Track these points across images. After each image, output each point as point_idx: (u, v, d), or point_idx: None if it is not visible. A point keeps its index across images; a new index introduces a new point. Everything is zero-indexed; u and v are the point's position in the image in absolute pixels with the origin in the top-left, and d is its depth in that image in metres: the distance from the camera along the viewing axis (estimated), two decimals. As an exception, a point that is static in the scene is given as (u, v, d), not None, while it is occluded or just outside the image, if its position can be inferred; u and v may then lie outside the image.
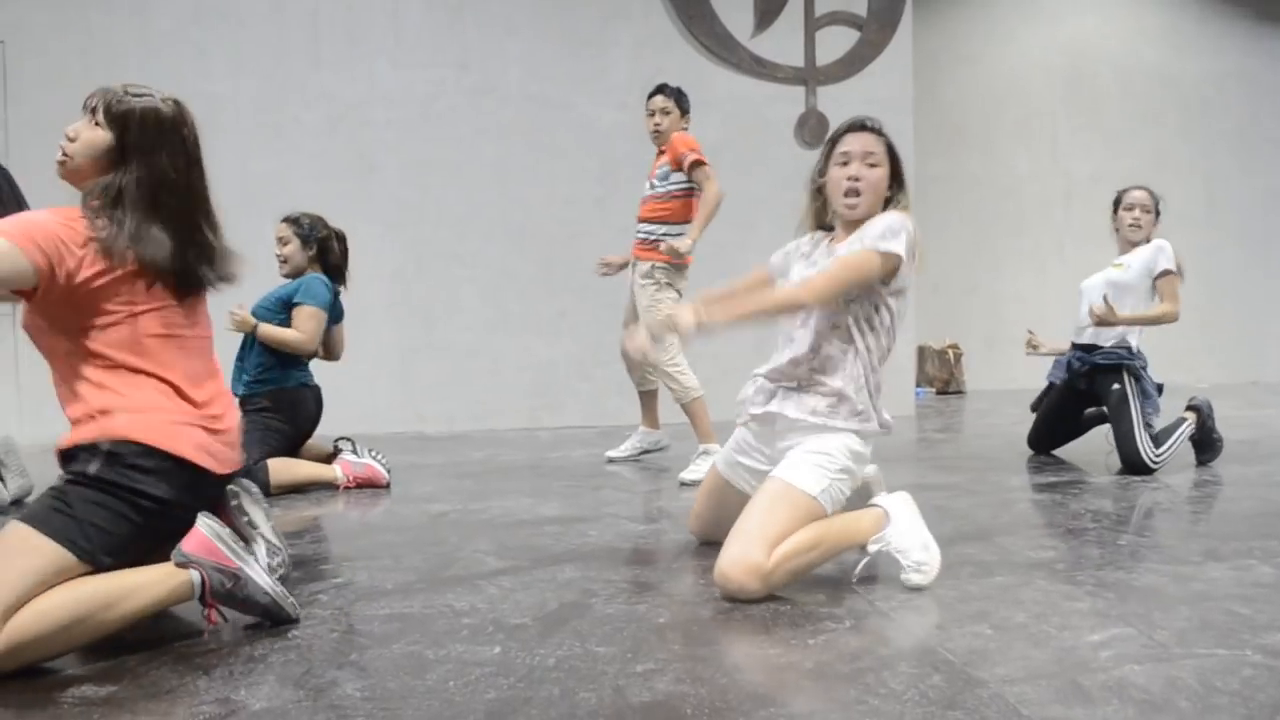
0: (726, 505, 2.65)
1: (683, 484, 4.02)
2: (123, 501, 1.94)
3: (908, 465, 4.60)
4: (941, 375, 9.82)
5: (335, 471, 4.06)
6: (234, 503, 2.20)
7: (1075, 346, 4.53)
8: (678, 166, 4.47)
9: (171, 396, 2.06)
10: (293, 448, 4.19)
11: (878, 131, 2.52)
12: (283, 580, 2.25)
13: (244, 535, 2.15)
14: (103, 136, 2.08)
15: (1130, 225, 4.42)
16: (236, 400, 3.84)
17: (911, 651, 1.84)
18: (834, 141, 2.54)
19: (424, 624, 2.07)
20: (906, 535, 2.33)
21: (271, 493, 3.81)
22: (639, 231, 4.59)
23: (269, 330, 4.08)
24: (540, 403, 6.85)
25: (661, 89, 4.67)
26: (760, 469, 2.57)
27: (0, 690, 1.73)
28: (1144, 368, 4.37)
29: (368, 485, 4.09)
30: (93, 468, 1.93)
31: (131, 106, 2.08)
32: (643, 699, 1.61)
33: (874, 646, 1.86)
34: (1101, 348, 4.39)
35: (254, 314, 4.12)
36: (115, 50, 6.30)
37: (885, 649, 1.85)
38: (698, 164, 4.41)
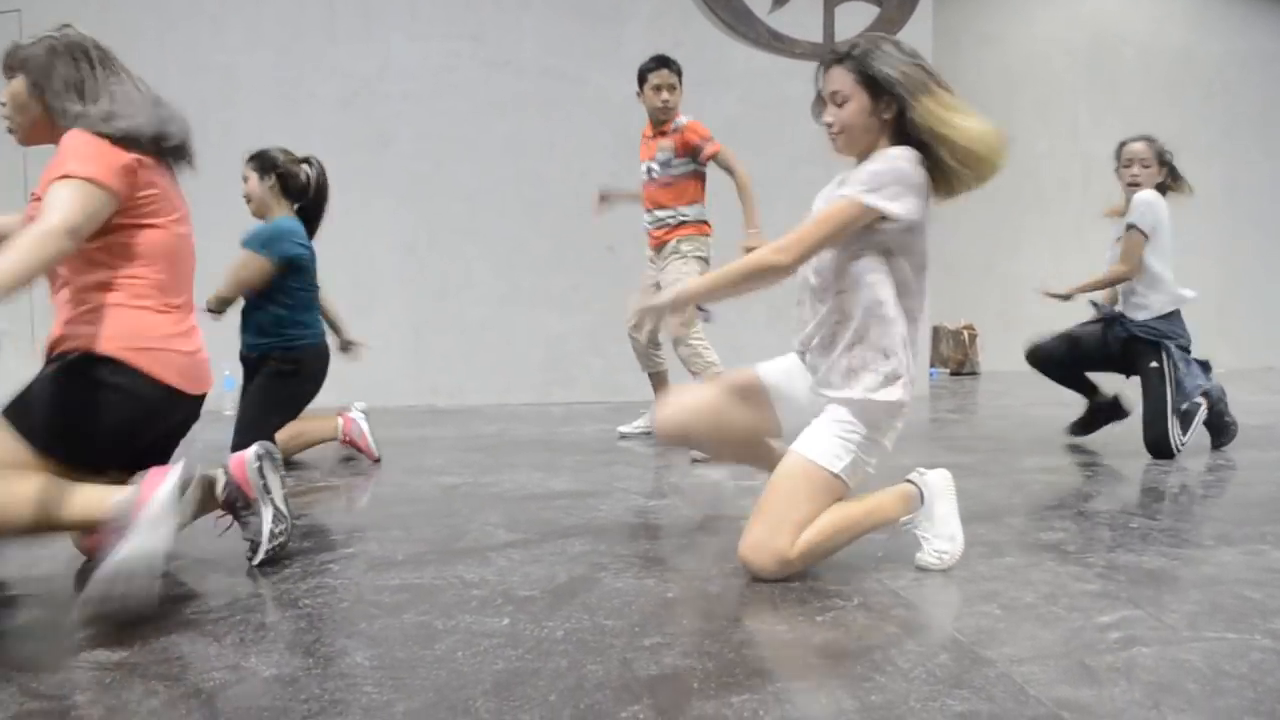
0: (729, 418, 2.44)
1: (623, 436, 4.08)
2: (91, 399, 2.07)
3: (921, 445, 4.58)
4: (956, 356, 9.78)
5: (337, 423, 4.08)
6: (257, 464, 2.29)
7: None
8: (685, 153, 4.42)
9: (159, 311, 2.22)
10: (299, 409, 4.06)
11: (840, 61, 2.26)
12: (281, 548, 2.37)
13: (254, 499, 2.30)
14: (18, 83, 2.23)
15: (1129, 181, 4.26)
16: (253, 356, 3.91)
17: (919, 630, 1.84)
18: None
19: (433, 595, 2.09)
20: (939, 524, 2.29)
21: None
22: (655, 219, 4.55)
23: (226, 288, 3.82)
24: (552, 377, 6.85)
25: (666, 62, 4.47)
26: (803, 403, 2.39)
27: (13, 656, 1.75)
28: (1186, 347, 4.21)
29: (355, 448, 4.11)
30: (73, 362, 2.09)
31: (26, 47, 2.25)
32: (650, 672, 1.62)
33: (881, 624, 1.86)
34: (1132, 319, 4.22)
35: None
36: (131, 21, 6.30)
37: (893, 627, 1.85)
38: (716, 151, 4.38)
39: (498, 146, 6.72)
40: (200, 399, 2.35)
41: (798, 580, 2.16)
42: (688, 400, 2.45)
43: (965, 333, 9.73)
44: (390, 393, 6.42)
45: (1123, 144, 4.35)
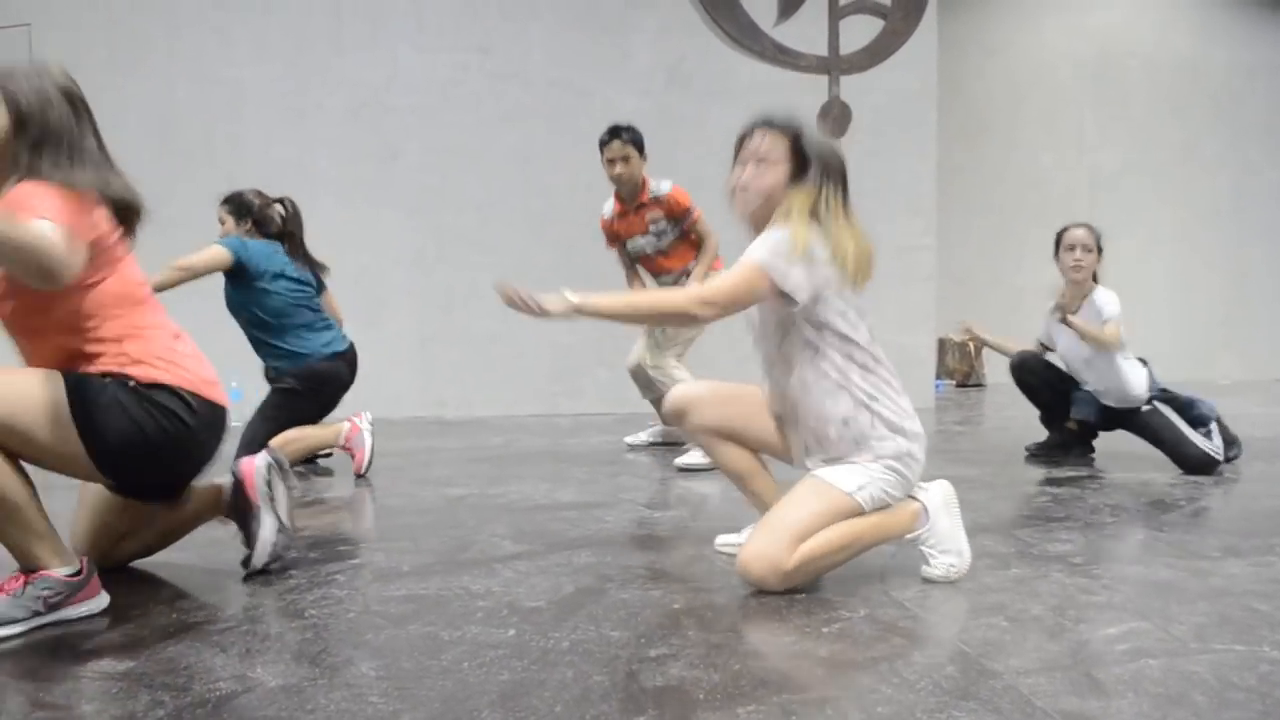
0: (753, 415, 2.44)
1: (680, 469, 4.05)
2: (149, 416, 2.03)
3: (927, 458, 4.58)
4: (962, 368, 9.77)
5: (342, 428, 4.10)
6: (266, 473, 2.30)
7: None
8: (675, 217, 4.48)
9: (179, 340, 2.18)
10: (312, 419, 4.15)
11: (780, 129, 2.29)
12: (276, 559, 2.37)
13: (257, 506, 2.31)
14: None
15: (1072, 266, 4.19)
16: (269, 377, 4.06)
17: (926, 641, 1.83)
18: (741, 138, 2.36)
19: (440, 606, 2.09)
20: (945, 538, 2.28)
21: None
22: (663, 283, 4.66)
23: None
24: (559, 388, 6.86)
25: (616, 133, 4.43)
26: None
27: (20, 666, 1.75)
28: (1163, 393, 4.20)
29: (349, 454, 4.13)
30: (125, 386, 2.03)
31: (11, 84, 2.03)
32: (656, 683, 1.62)
33: (888, 636, 1.86)
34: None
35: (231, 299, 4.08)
36: (139, 34, 6.34)
37: (900, 638, 1.85)
38: (699, 218, 4.48)
39: (505, 158, 6.74)
40: None
41: (803, 592, 2.16)
42: (721, 385, 2.48)
43: (971, 344, 9.72)
44: (398, 404, 6.43)
45: (1063, 230, 4.31)
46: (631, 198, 4.51)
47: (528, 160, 6.75)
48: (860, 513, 2.20)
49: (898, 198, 7.03)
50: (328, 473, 4.14)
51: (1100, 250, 4.24)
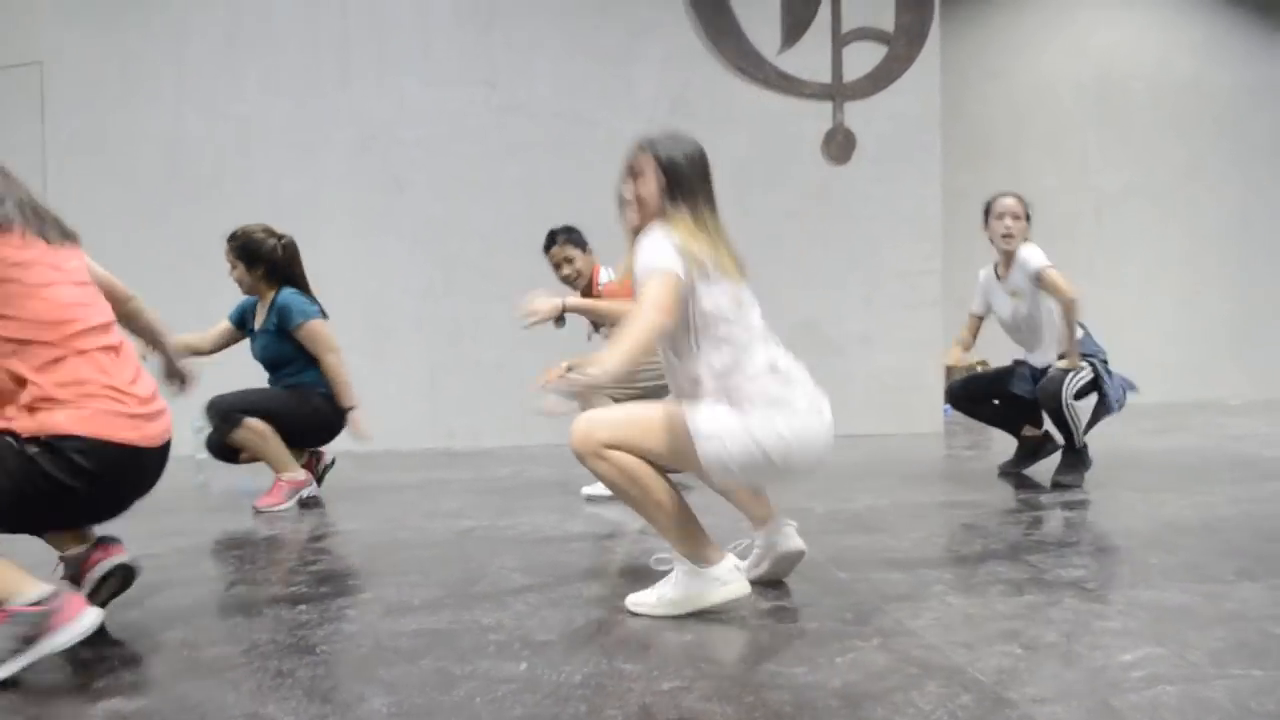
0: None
1: (589, 499, 4.02)
2: (43, 475, 1.97)
3: (935, 482, 4.56)
4: (970, 391, 9.74)
5: (298, 474, 4.12)
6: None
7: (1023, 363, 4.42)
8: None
9: (99, 371, 2.10)
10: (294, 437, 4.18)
11: (644, 148, 2.41)
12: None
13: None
14: None
15: (1003, 235, 4.22)
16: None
17: (940, 671, 1.82)
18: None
19: (451, 640, 2.08)
20: (677, 587, 2.28)
21: (227, 444, 4.01)
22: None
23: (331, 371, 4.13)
24: (568, 419, 6.84)
25: (553, 238, 4.41)
26: None
27: (29, 707, 1.75)
28: (1103, 362, 4.18)
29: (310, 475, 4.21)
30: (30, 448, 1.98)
31: None
32: (669, 716, 1.61)
33: (901, 665, 1.85)
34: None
35: (262, 347, 4.16)
36: (150, 72, 6.41)
37: (913, 668, 1.83)
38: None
39: (512, 189, 6.77)
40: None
41: (815, 621, 2.15)
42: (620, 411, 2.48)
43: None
44: (406, 436, 6.43)
45: (993, 199, 4.32)
46: (587, 292, 4.41)
47: (534, 191, 6.78)
48: (693, 459, 2.23)
49: (902, 223, 7.04)
50: (333, 506, 4.14)
51: (1029, 218, 4.28)
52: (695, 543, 2.29)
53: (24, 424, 1.98)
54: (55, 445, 1.98)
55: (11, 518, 1.99)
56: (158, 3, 6.53)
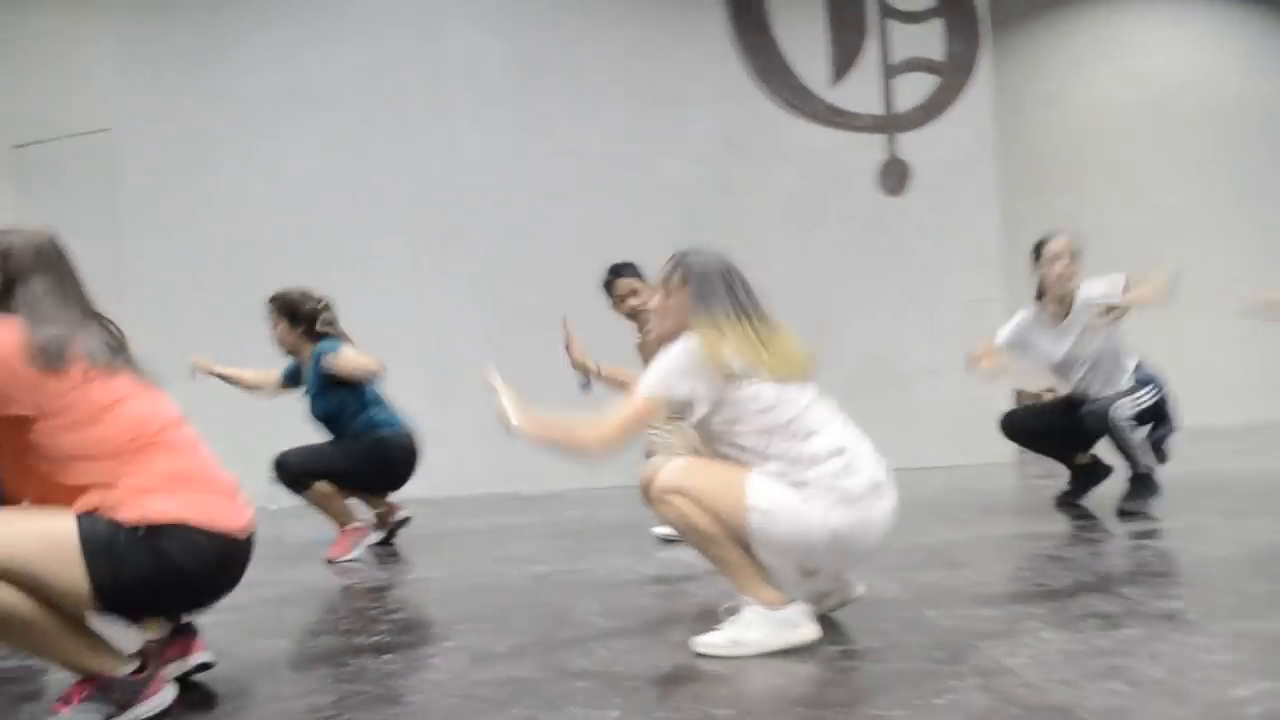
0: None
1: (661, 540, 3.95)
2: (153, 566, 1.95)
3: (1012, 514, 4.47)
4: (1038, 419, 9.55)
5: (368, 530, 4.17)
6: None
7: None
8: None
9: (193, 460, 2.09)
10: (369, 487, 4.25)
11: (673, 262, 2.53)
12: None
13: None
14: None
15: (1060, 275, 4.16)
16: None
17: (1045, 711, 1.76)
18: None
19: (538, 688, 2.07)
20: (748, 629, 2.25)
21: (301, 493, 4.05)
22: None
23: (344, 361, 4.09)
24: (637, 458, 6.81)
25: (616, 273, 4.42)
26: None
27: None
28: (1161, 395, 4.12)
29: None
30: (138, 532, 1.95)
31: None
32: (770, 764, 1.58)
33: (1004, 706, 1.79)
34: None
35: (315, 405, 4.20)
36: (213, 134, 6.61)
37: (1016, 709, 1.78)
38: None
39: (568, 234, 6.83)
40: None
41: (910, 661, 2.10)
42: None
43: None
44: (473, 482, 6.46)
45: (1043, 242, 4.27)
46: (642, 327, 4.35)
47: (590, 234, 6.81)
48: (742, 527, 2.23)
49: (961, 251, 6.97)
50: (410, 555, 4.16)
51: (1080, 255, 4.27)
52: (762, 585, 2.29)
53: (128, 514, 1.95)
54: (166, 531, 1.96)
55: (118, 602, 1.98)
56: (219, 65, 6.74)
